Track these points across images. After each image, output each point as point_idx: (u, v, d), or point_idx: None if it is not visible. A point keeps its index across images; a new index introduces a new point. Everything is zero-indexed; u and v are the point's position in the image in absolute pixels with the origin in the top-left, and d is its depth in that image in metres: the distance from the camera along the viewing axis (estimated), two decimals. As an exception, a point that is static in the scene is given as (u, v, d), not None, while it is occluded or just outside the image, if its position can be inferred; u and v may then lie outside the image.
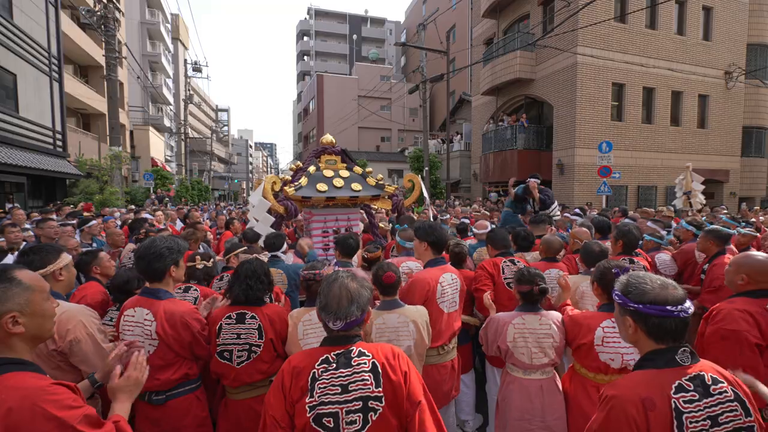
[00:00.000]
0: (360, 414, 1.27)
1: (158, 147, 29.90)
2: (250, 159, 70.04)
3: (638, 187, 14.63)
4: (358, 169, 4.26)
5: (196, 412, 2.02)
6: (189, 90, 27.53)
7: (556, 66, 14.07)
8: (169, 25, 37.34)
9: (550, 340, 2.19)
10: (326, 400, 1.26)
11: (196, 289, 2.61)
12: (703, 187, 7.81)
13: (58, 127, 14.85)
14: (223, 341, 2.01)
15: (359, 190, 4.07)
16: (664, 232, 4.66)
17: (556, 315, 2.29)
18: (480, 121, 18.85)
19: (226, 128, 59.53)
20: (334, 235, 4.16)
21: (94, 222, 4.91)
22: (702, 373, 1.19)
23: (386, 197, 4.32)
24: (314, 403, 1.26)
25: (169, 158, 35.92)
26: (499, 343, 2.26)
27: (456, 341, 2.61)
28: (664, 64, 14.40)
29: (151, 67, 32.60)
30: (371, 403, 1.28)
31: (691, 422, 1.13)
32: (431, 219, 6.01)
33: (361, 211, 4.80)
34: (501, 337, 2.25)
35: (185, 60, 30.02)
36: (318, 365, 1.31)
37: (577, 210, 7.35)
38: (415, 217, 6.27)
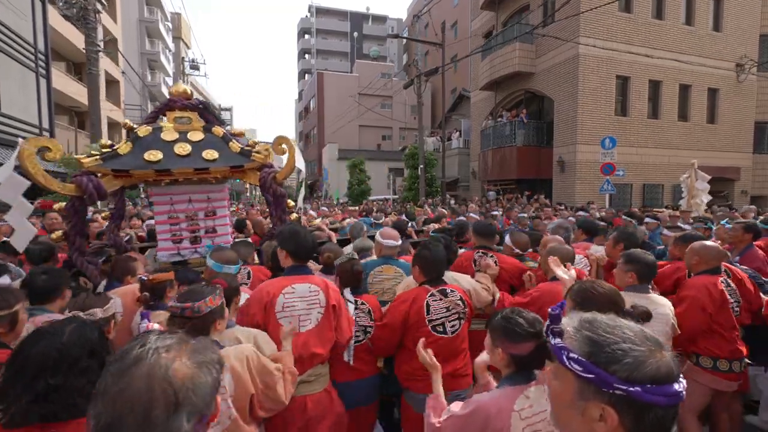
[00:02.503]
0: None
1: (156, 146, 29.69)
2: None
3: (644, 185, 13.98)
4: (218, 130, 2.99)
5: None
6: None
7: (556, 58, 13.46)
8: (169, 24, 37.20)
9: None
10: None
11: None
12: (708, 186, 7.21)
13: (45, 125, 14.55)
14: None
15: (213, 160, 2.80)
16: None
17: None
18: (479, 117, 18.28)
19: (229, 127, 59.37)
20: (188, 222, 3.10)
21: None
22: None
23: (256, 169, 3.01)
24: None
25: (168, 157, 35.78)
26: None
27: (327, 369, 2.12)
28: (671, 56, 13.73)
29: (150, 66, 32.45)
30: None
31: None
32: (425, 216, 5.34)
33: (227, 188, 3.45)
34: None
35: (182, 58, 29.79)
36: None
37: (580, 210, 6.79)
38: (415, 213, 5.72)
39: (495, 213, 8.33)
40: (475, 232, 3.20)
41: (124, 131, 2.99)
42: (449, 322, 2.19)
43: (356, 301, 2.34)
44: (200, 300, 1.47)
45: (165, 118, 3.05)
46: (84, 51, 11.10)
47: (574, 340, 0.80)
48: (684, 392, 0.75)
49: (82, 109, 20.49)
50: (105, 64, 19.62)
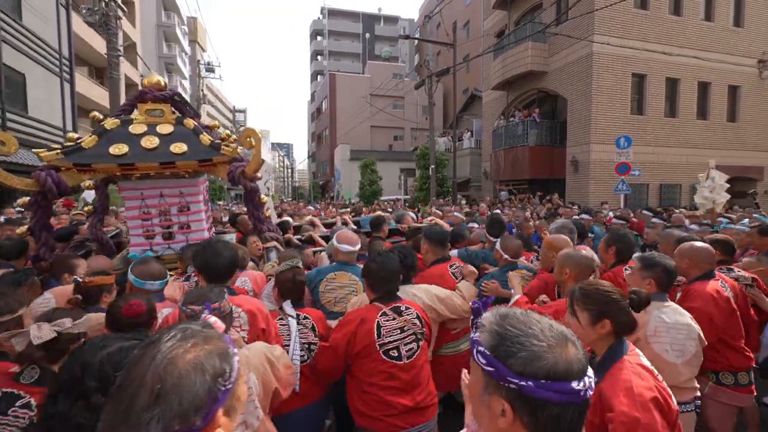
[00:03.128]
0: None
1: (173, 147, 30.39)
2: (267, 159, 70.82)
3: (660, 185, 13.69)
4: (189, 123, 2.87)
5: None
6: (203, 90, 27.86)
7: (570, 57, 13.30)
8: (185, 27, 38.01)
9: None
10: None
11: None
12: (725, 185, 7.04)
13: (69, 127, 15.07)
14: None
15: (181, 153, 2.67)
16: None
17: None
18: (491, 117, 18.18)
19: (243, 129, 60.36)
20: (160, 217, 3.00)
21: None
22: None
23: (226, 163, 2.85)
24: None
25: (185, 158, 36.57)
26: None
27: None
28: (690, 52, 13.41)
29: (167, 69, 33.21)
30: None
31: None
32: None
33: (204, 181, 3.32)
34: None
35: (198, 61, 30.40)
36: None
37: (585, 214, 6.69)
38: (421, 220, 5.53)
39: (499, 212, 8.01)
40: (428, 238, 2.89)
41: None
42: (404, 345, 1.87)
43: (298, 315, 2.04)
44: (205, 309, 1.36)
45: (132, 112, 2.93)
46: (106, 56, 11.47)
47: (484, 333, 0.78)
48: (588, 392, 0.72)
49: (103, 112, 21.18)
50: (125, 68, 20.17)
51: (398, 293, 2.05)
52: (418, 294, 2.30)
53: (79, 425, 1.02)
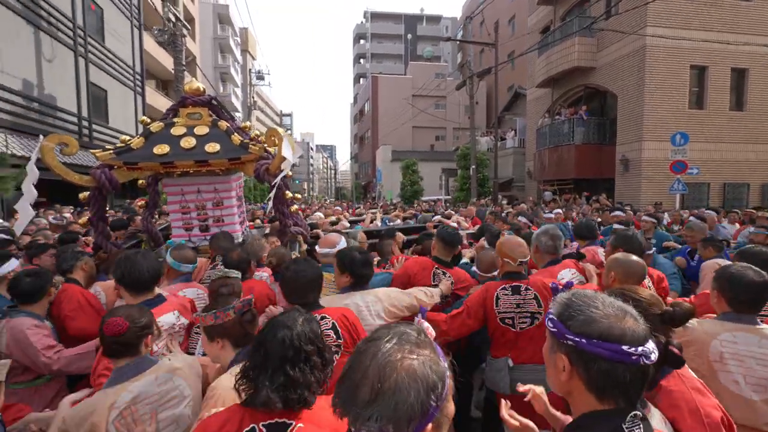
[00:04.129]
0: None
1: (227, 151, 32.57)
2: (311, 161, 73.43)
3: (724, 184, 12.70)
4: (223, 124, 3.16)
5: None
6: (253, 97, 29.61)
7: (621, 51, 12.73)
8: (238, 39, 40.47)
9: None
10: None
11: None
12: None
13: (140, 135, 16.82)
14: None
15: (215, 153, 2.95)
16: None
17: None
18: (535, 115, 17.74)
19: (290, 132, 63.19)
20: (198, 211, 3.29)
21: None
22: None
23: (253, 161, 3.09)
24: None
25: (237, 161, 38.98)
26: None
27: None
28: (761, 40, 12.32)
29: (221, 78, 35.61)
30: None
31: None
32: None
33: (238, 179, 3.57)
34: None
35: (249, 70, 32.31)
36: None
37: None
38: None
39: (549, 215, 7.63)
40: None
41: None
42: None
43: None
44: (227, 307, 1.47)
45: (174, 115, 3.25)
46: (172, 71, 12.73)
47: (556, 304, 0.95)
48: (642, 358, 0.80)
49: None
50: (186, 80, 22.07)
51: (344, 300, 2.03)
52: (371, 299, 2.12)
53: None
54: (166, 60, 20.45)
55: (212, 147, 2.98)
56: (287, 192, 3.35)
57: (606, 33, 13.00)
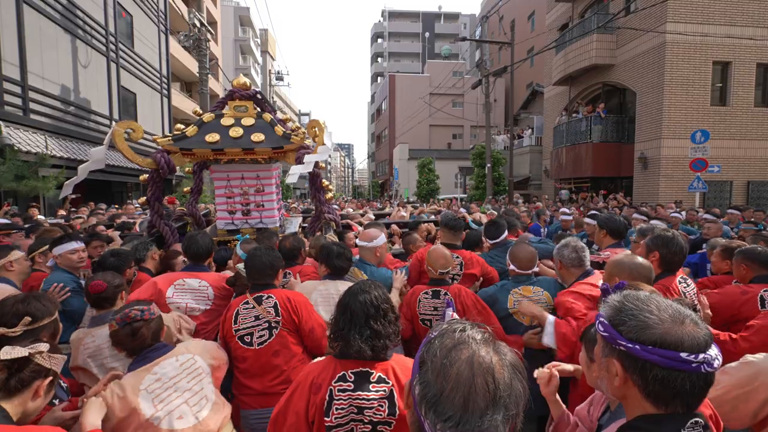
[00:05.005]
0: None
1: (248, 150, 33.46)
2: (329, 159, 74.18)
3: (748, 182, 12.36)
4: (267, 116, 3.42)
5: None
6: (272, 97, 30.29)
7: (640, 48, 12.55)
8: (258, 40, 41.35)
9: None
10: None
11: None
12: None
13: (167, 136, 17.59)
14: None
15: (259, 141, 3.21)
16: None
17: None
18: (552, 113, 17.60)
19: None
20: (241, 197, 3.60)
21: None
22: None
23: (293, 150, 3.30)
24: None
25: (257, 160, 39.90)
26: None
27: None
28: (789, 34, 11.92)
29: (242, 79, 36.48)
30: None
31: None
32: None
33: (276, 169, 3.85)
34: None
35: (269, 71, 33.02)
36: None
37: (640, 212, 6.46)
38: (478, 217, 5.70)
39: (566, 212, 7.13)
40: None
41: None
42: (257, 332, 1.95)
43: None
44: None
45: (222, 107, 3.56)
46: (197, 74, 13.31)
47: (607, 307, 0.91)
48: (704, 366, 0.77)
49: (190, 122, 24.16)
50: (209, 82, 22.85)
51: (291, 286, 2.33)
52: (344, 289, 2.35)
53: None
54: (191, 63, 21.25)
55: (257, 137, 3.24)
56: (324, 181, 3.64)
57: (625, 29, 12.82)
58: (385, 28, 48.24)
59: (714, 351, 0.81)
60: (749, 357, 1.44)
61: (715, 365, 0.79)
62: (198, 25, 12.38)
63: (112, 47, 13.50)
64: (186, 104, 21.40)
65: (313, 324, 2.01)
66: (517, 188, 19.35)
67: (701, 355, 0.78)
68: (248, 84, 3.52)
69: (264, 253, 2.10)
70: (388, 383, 1.33)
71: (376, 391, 1.31)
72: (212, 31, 14.10)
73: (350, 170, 75.35)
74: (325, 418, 1.28)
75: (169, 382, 1.54)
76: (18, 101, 9.54)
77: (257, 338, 1.94)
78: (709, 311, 2.16)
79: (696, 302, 2.17)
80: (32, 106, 9.98)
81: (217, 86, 25.93)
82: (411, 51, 47.67)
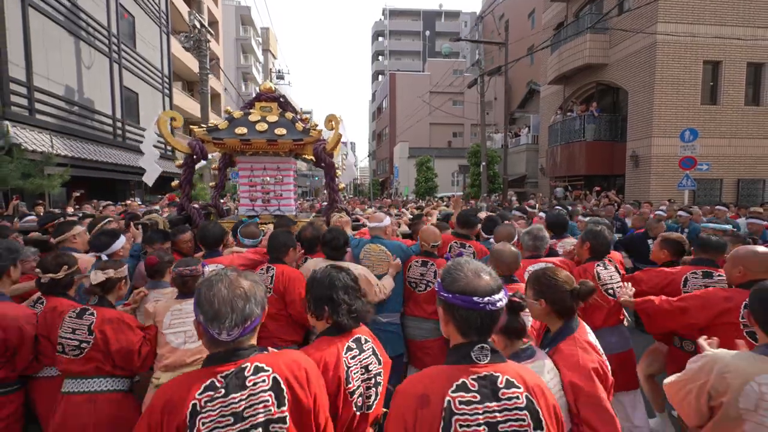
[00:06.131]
0: None
1: (249, 148, 33.77)
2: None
3: (738, 180, 12.54)
4: (289, 115, 3.90)
5: None
6: (273, 96, 30.52)
7: (632, 47, 12.73)
8: (259, 39, 41.59)
9: None
10: None
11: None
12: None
13: (168, 135, 17.90)
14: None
15: (282, 135, 3.66)
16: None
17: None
18: (548, 112, 17.80)
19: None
20: (261, 186, 4.04)
21: None
22: (495, 374, 1.05)
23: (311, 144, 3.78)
24: None
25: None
26: None
27: None
28: (779, 33, 12.07)
29: (243, 78, 36.78)
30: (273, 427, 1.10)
31: (461, 426, 0.99)
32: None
33: (295, 162, 4.34)
34: None
35: (270, 69, 33.27)
36: (200, 394, 1.06)
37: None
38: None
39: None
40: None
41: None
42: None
43: None
44: (197, 265, 2.17)
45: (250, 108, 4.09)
46: (198, 74, 13.58)
47: (443, 270, 1.20)
48: (489, 306, 1.05)
49: (192, 121, 24.48)
50: (210, 81, 23.12)
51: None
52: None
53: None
54: (192, 62, 21.53)
55: (280, 131, 3.72)
56: (338, 171, 4.11)
57: (618, 30, 13.00)
58: (385, 27, 48.35)
59: (500, 295, 1.08)
60: (709, 351, 1.52)
61: (498, 305, 1.07)
62: (198, 26, 12.63)
63: (115, 48, 13.81)
64: (188, 103, 21.69)
65: (295, 297, 2.40)
66: (513, 186, 19.56)
67: (487, 299, 1.06)
68: (273, 88, 4.10)
69: (281, 233, 2.66)
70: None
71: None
72: (212, 31, 14.35)
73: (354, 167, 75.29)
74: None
75: (186, 318, 2.10)
76: (24, 102, 9.85)
77: None
78: (630, 291, 2.44)
79: (608, 282, 2.53)
80: (38, 106, 10.29)
81: (218, 85, 26.23)
82: (412, 49, 47.79)
